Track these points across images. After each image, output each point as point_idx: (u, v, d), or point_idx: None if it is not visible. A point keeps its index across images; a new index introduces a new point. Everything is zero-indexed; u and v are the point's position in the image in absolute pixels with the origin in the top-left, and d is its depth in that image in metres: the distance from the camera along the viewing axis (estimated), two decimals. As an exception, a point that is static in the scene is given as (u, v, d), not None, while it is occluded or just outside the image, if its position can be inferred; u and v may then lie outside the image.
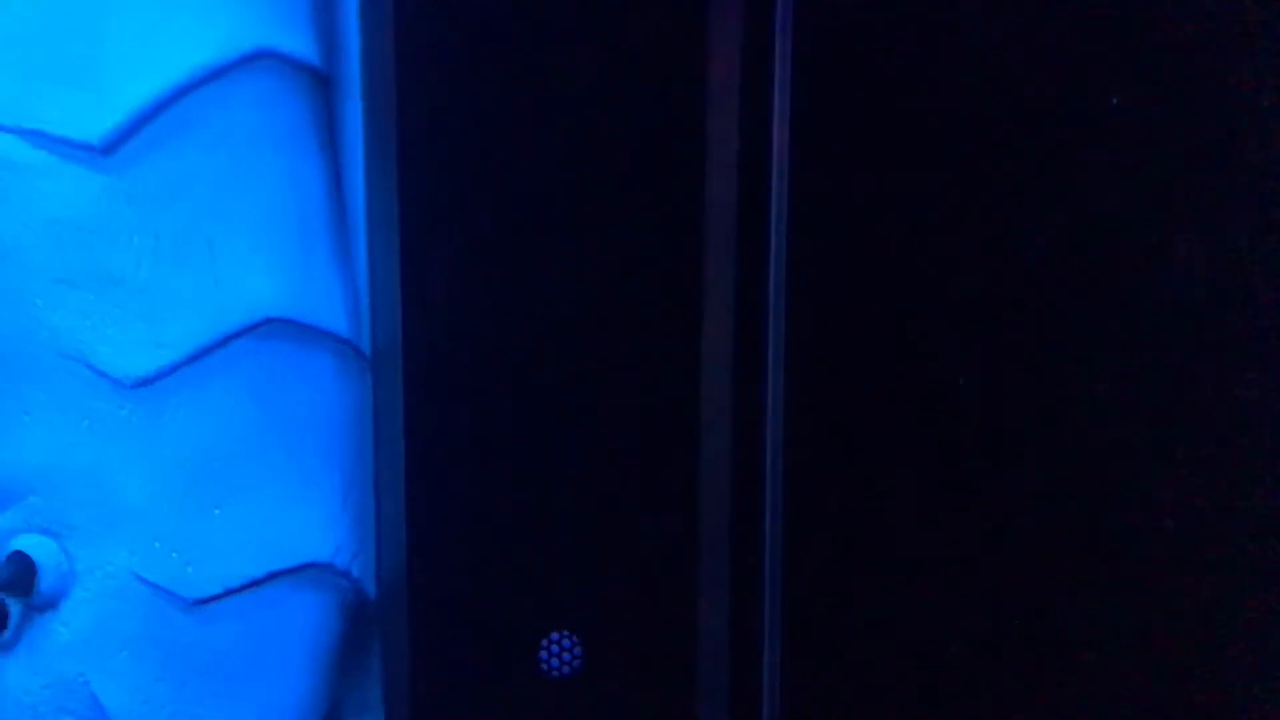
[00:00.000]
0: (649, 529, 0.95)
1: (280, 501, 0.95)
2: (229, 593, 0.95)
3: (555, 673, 0.92)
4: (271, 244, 0.93)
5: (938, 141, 0.93)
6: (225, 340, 0.91)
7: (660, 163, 0.93)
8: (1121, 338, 0.91)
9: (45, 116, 0.89)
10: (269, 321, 0.92)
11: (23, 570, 0.95)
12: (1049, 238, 0.93)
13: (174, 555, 0.94)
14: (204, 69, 0.89)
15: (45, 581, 0.94)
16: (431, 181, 0.93)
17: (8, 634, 0.97)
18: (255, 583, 0.95)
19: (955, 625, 0.96)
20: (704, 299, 0.96)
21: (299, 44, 0.92)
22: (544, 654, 0.93)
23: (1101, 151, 0.91)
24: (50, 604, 0.95)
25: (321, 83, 0.95)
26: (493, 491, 0.95)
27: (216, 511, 0.94)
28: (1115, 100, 0.93)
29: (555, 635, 0.93)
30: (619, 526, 0.95)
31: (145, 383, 0.91)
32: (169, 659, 0.95)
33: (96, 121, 0.88)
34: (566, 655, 0.93)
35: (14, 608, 0.96)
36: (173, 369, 0.91)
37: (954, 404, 0.95)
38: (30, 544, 0.95)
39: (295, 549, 0.96)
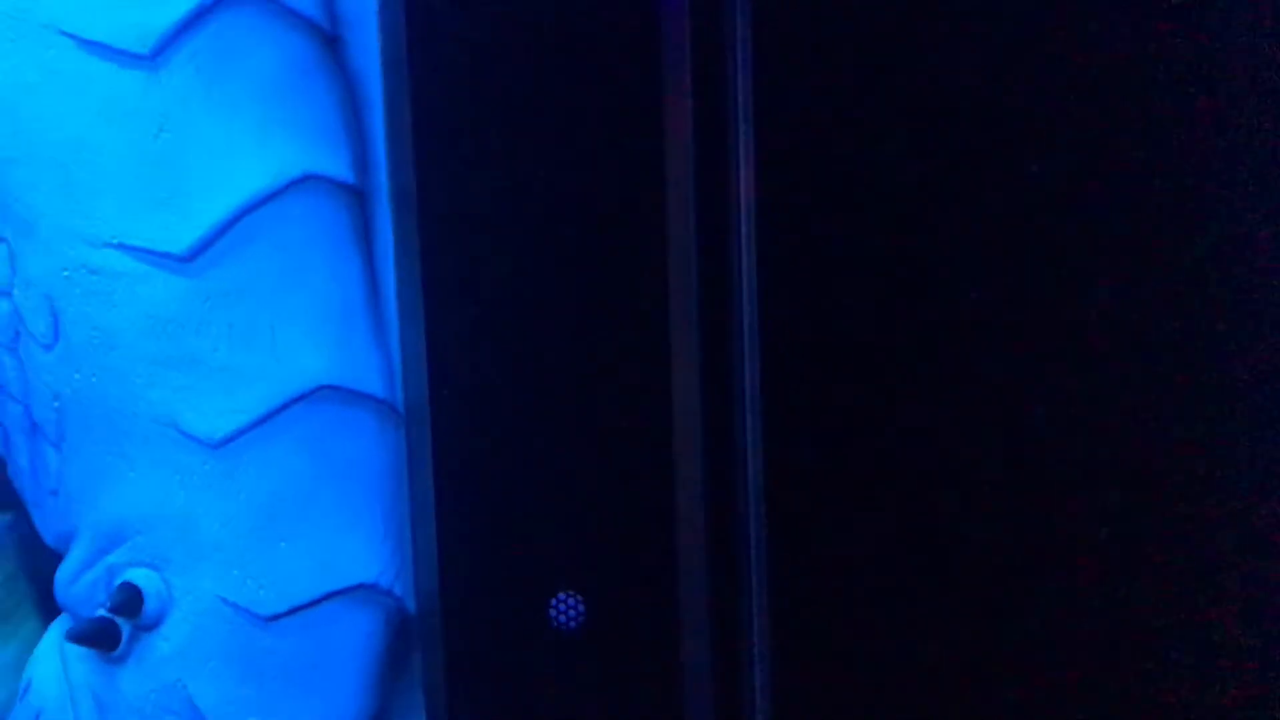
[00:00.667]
0: (636, 511, 1.14)
1: (334, 534, 1.17)
2: (295, 610, 1.16)
3: (562, 627, 1.13)
4: (321, 326, 1.15)
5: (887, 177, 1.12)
6: (286, 405, 1.14)
7: (630, 245, 1.15)
8: (1075, 357, 1.10)
9: (141, 234, 1.12)
10: (320, 388, 1.15)
11: (132, 597, 1.17)
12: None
13: (250, 581, 1.16)
14: (264, 192, 1.12)
15: (149, 606, 1.17)
16: (448, 272, 1.15)
17: (120, 649, 1.19)
18: (315, 601, 1.17)
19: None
20: (672, 351, 1.17)
21: (339, 167, 1.15)
22: (552, 611, 1.13)
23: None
24: (153, 624, 1.18)
25: (357, 195, 1.18)
26: (508, 496, 1.15)
27: (283, 544, 1.16)
28: (1034, 168, 1.14)
29: (562, 595, 1.13)
30: (611, 511, 1.14)
31: (224, 442, 1.14)
32: (249, 665, 1.17)
33: (180, 237, 1.11)
34: (571, 612, 1.13)
35: (124, 628, 1.19)
36: (245, 430, 1.14)
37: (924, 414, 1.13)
38: (137, 575, 1.17)
39: (347, 572, 1.18)
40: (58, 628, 1.29)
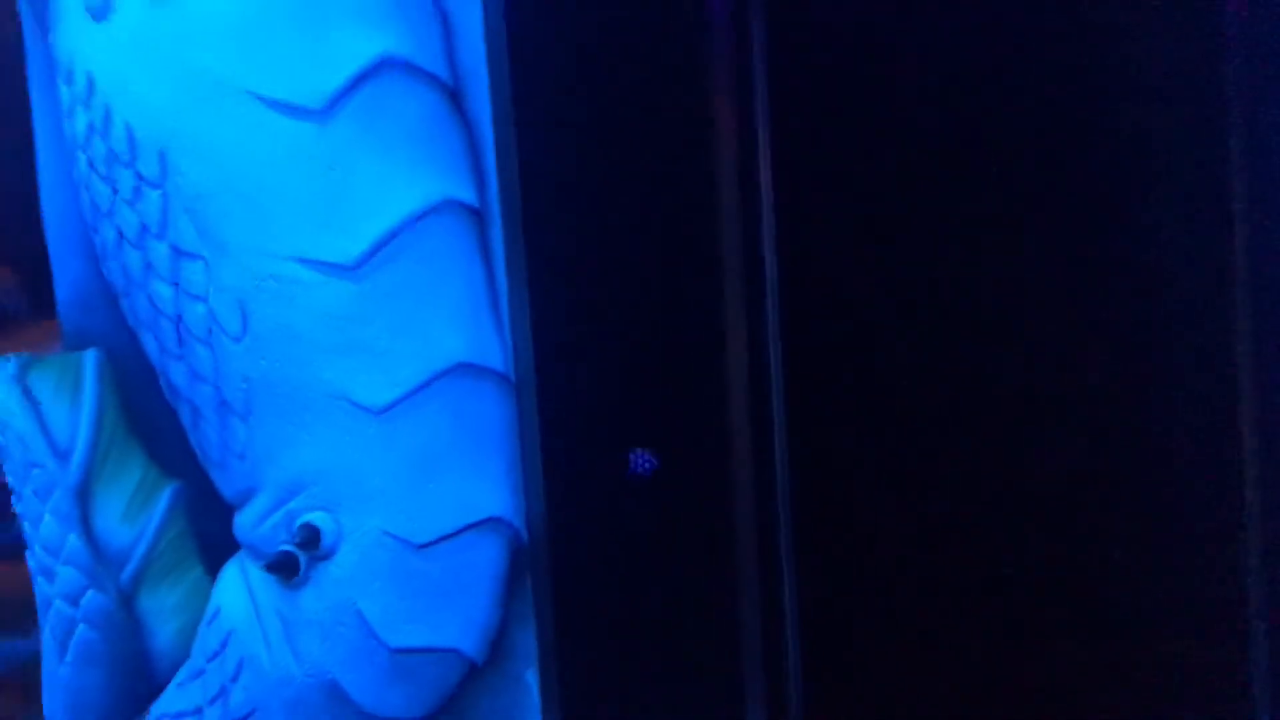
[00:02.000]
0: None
1: (469, 478, 1.50)
2: (441, 539, 1.49)
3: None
4: (456, 317, 1.48)
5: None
6: (433, 379, 1.46)
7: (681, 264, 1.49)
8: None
9: (316, 249, 1.44)
10: (458, 365, 1.47)
11: (311, 534, 1.49)
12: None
13: (405, 517, 1.48)
14: (413, 214, 1.44)
15: (325, 540, 1.49)
16: (545, 274, 1.49)
17: (300, 576, 1.51)
18: (457, 531, 1.49)
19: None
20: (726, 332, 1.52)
21: (466, 193, 1.48)
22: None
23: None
24: (328, 555, 1.50)
25: (478, 215, 1.50)
26: (594, 441, 1.50)
27: (431, 486, 1.48)
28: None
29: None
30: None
31: (386, 409, 1.46)
32: (405, 584, 1.49)
33: (348, 251, 1.44)
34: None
35: (303, 559, 1.51)
36: (402, 399, 1.46)
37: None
38: (314, 517, 1.49)
39: (480, 508, 1.50)
40: (235, 565, 1.61)
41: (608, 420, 1.53)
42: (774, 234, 1.51)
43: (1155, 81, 1.47)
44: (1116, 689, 1.54)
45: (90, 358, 1.65)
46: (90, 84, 1.48)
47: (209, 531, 1.67)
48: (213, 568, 1.68)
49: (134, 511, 1.67)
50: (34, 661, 1.95)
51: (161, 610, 1.70)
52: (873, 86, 1.50)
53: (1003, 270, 1.50)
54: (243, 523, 1.56)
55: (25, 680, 1.97)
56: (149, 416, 1.67)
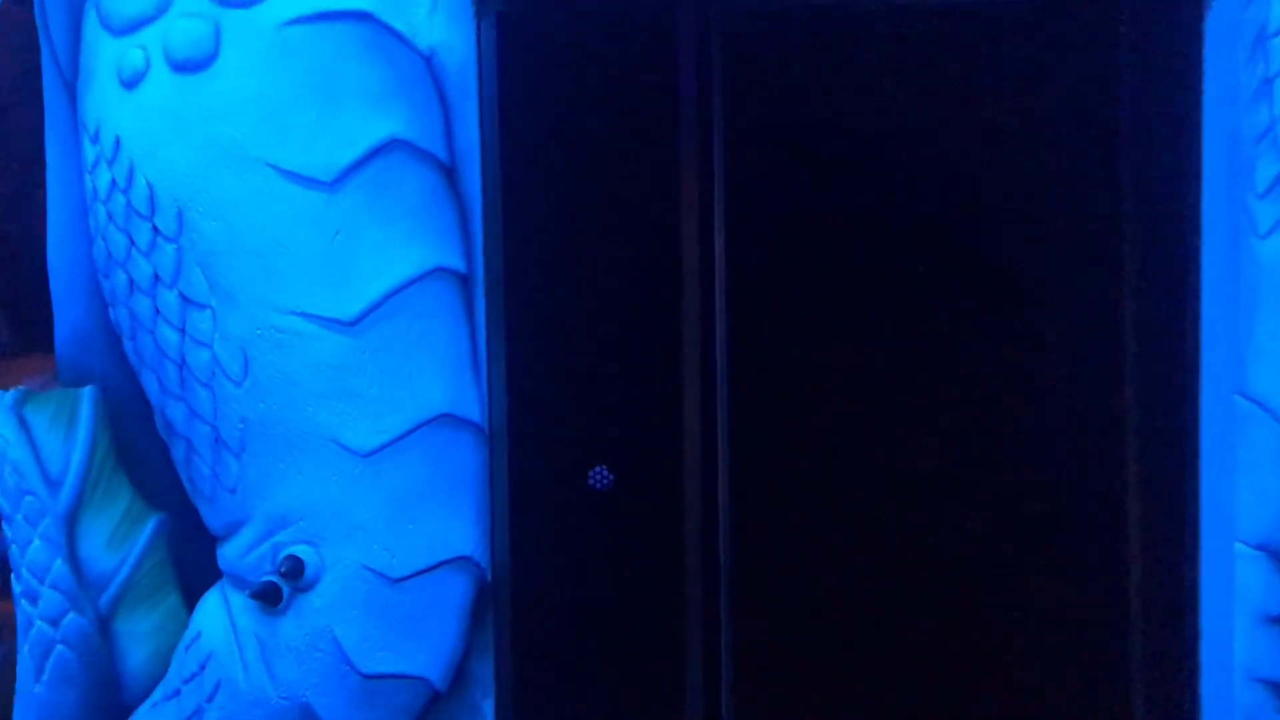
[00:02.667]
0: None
1: (444, 520, 1.65)
2: (416, 574, 1.64)
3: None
4: (441, 371, 1.64)
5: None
6: (417, 427, 1.62)
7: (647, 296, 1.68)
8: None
9: (318, 305, 1.59)
10: (441, 415, 1.63)
11: (295, 565, 1.63)
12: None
13: (384, 552, 1.63)
14: (408, 278, 1.61)
15: (308, 572, 1.62)
16: (520, 337, 1.66)
17: (282, 604, 1.64)
18: (431, 568, 1.64)
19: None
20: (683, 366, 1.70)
21: (457, 261, 1.64)
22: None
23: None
24: (310, 585, 1.63)
25: (464, 280, 1.67)
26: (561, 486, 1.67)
27: (409, 526, 1.63)
28: (921, 268, 1.72)
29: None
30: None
31: (372, 453, 1.61)
32: (381, 615, 1.63)
33: (348, 308, 1.59)
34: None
35: (285, 589, 1.63)
36: (388, 444, 1.61)
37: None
38: (299, 549, 1.63)
39: (452, 547, 1.65)
40: (217, 592, 1.72)
41: (571, 462, 1.71)
42: (725, 299, 1.71)
43: (1045, 177, 1.71)
44: (1011, 691, 1.75)
45: (87, 394, 1.77)
46: (117, 144, 1.63)
47: (187, 561, 1.78)
48: (189, 596, 1.79)
49: (118, 540, 1.78)
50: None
51: (135, 634, 1.79)
52: (817, 170, 1.72)
53: (923, 310, 1.74)
54: (228, 553, 1.68)
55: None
56: (137, 451, 1.78)
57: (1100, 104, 1.70)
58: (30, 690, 1.78)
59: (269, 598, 1.63)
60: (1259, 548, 1.57)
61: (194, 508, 1.73)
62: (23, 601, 1.78)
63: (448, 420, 1.64)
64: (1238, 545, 1.59)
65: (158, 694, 1.75)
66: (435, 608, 1.66)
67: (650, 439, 1.71)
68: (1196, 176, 1.62)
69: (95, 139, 1.66)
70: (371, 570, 1.63)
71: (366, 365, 1.61)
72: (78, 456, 1.77)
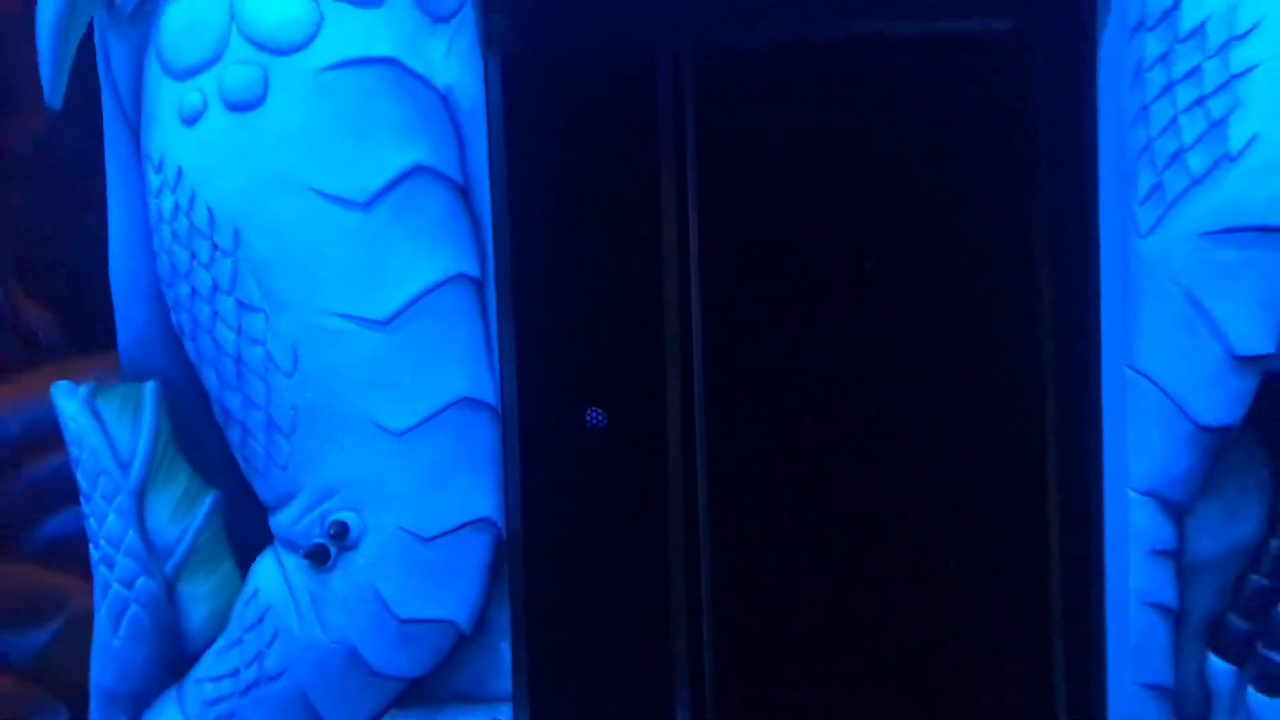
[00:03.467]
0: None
1: (467, 487, 1.94)
2: (444, 534, 1.93)
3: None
4: (462, 362, 1.93)
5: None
6: (443, 409, 1.91)
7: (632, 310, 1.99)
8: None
9: (357, 307, 1.88)
10: (463, 399, 1.92)
11: (341, 529, 1.92)
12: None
13: (418, 516, 1.92)
14: (434, 283, 1.89)
15: (352, 534, 1.91)
16: (526, 331, 1.96)
17: (330, 562, 1.93)
18: (457, 528, 1.93)
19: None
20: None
21: (473, 268, 1.93)
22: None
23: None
24: (354, 545, 1.92)
25: (479, 284, 1.96)
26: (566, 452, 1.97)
27: (437, 493, 1.92)
28: (869, 263, 2.03)
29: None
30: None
31: (405, 432, 1.90)
32: (415, 569, 1.92)
33: (383, 309, 1.88)
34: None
35: (333, 550, 1.92)
36: (419, 424, 1.90)
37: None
38: (345, 515, 1.91)
39: (474, 509, 1.95)
40: (270, 555, 2.00)
41: (569, 434, 2.02)
42: (700, 297, 2.03)
43: (974, 190, 2.03)
44: (951, 621, 2.09)
45: (150, 388, 2.04)
46: (179, 173, 1.90)
47: (238, 533, 2.06)
48: (241, 562, 2.07)
49: (180, 514, 2.06)
50: (43, 652, 2.30)
51: (196, 595, 2.08)
52: (777, 183, 2.03)
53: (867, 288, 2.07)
54: (281, 521, 1.97)
55: (35, 669, 2.32)
56: (194, 437, 2.06)
57: (1018, 126, 2.02)
58: (108, 644, 2.06)
59: (319, 557, 1.92)
60: (1146, 494, 1.89)
61: (244, 486, 2.02)
62: (100, 568, 2.05)
63: (468, 403, 1.94)
64: (1130, 492, 1.91)
65: (221, 643, 2.03)
66: (461, 562, 1.95)
67: (637, 416, 2.02)
68: (1093, 187, 1.94)
69: (159, 169, 1.93)
70: (407, 531, 1.92)
71: (399, 358, 1.89)
72: (144, 441, 2.04)
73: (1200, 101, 1.79)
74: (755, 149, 2.02)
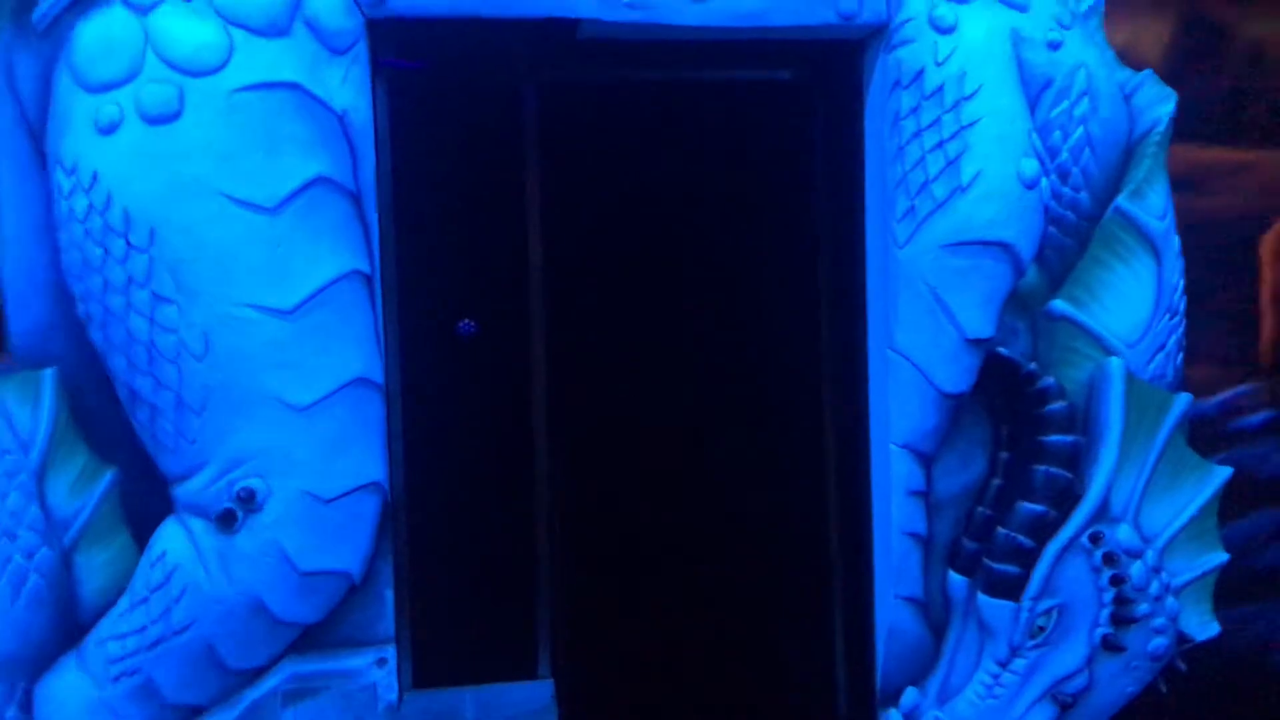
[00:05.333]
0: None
1: (361, 455, 2.24)
2: (342, 495, 2.22)
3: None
4: (357, 346, 2.23)
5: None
6: (341, 388, 2.21)
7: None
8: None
9: (265, 299, 2.15)
10: (358, 379, 2.23)
11: (250, 494, 2.17)
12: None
13: (319, 480, 2.20)
14: (333, 278, 2.19)
15: (259, 498, 2.17)
16: (411, 328, 2.29)
17: (237, 525, 2.18)
18: (352, 490, 2.23)
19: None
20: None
21: (364, 265, 2.24)
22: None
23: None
24: (259, 508, 2.18)
25: (369, 280, 2.27)
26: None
27: (337, 459, 2.21)
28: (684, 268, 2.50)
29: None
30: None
31: (308, 408, 2.19)
32: (315, 526, 2.21)
33: (288, 300, 2.16)
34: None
35: (240, 512, 2.17)
36: (320, 401, 2.19)
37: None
38: (251, 482, 2.17)
39: (367, 475, 2.25)
40: (175, 521, 2.22)
41: (450, 408, 2.37)
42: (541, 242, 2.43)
43: (768, 210, 2.55)
44: (740, 571, 2.59)
45: (49, 374, 2.21)
46: (95, 177, 2.10)
47: (134, 507, 2.27)
48: (136, 534, 2.27)
49: (78, 490, 2.24)
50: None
51: (92, 566, 2.26)
52: (608, 195, 2.46)
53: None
54: (190, 489, 2.20)
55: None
56: (91, 419, 2.25)
57: (802, 159, 2.56)
58: (8, 611, 2.21)
59: (227, 520, 2.17)
60: (904, 446, 2.44)
61: (140, 464, 2.23)
62: (2, 539, 2.20)
63: (362, 382, 2.24)
64: (891, 446, 2.46)
65: (123, 605, 2.23)
66: (355, 520, 2.25)
67: (501, 419, 2.41)
68: (861, 208, 2.49)
69: (72, 172, 2.12)
70: (309, 494, 2.20)
71: (302, 342, 2.18)
72: (44, 423, 2.21)
73: (940, 145, 2.36)
74: (598, 169, 2.46)
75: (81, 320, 2.20)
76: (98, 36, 2.12)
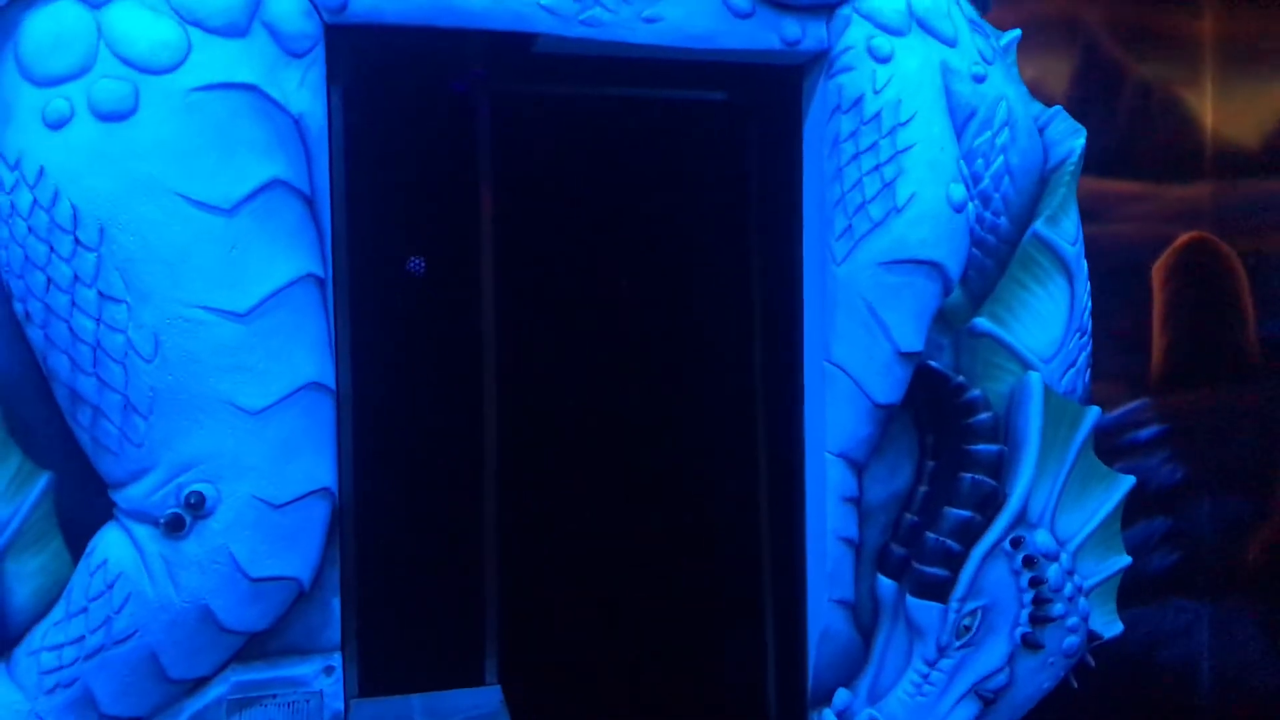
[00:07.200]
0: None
1: (312, 460, 2.23)
2: (292, 500, 2.20)
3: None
4: (311, 351, 2.21)
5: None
6: (294, 392, 2.19)
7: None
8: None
9: (218, 301, 2.12)
10: (311, 383, 2.21)
11: (199, 499, 2.14)
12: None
13: (269, 485, 2.18)
14: (288, 281, 2.18)
15: (209, 503, 2.14)
16: (363, 333, 2.29)
17: (185, 530, 2.13)
18: (303, 496, 2.21)
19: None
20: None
21: (318, 268, 2.23)
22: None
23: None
24: (209, 514, 2.14)
25: (323, 283, 2.26)
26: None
27: (288, 465, 2.19)
28: (624, 283, 2.56)
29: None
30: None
31: (260, 412, 2.16)
32: (266, 533, 2.18)
33: (242, 303, 2.14)
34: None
35: (188, 518, 2.13)
36: (272, 405, 2.17)
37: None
38: (201, 487, 2.14)
39: (318, 480, 2.23)
40: (116, 527, 2.16)
41: (399, 414, 2.37)
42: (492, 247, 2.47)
43: (709, 227, 2.63)
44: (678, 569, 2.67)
45: (-19, 375, 2.14)
46: (41, 171, 2.05)
47: (68, 513, 2.20)
48: (69, 541, 2.20)
49: (10, 494, 2.16)
50: None
51: (22, 574, 2.18)
52: (559, 200, 2.51)
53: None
54: (134, 494, 2.14)
55: None
56: (24, 423, 2.17)
57: (737, 180, 2.65)
58: (-66, 623, 2.12)
59: (175, 526, 2.13)
60: (838, 455, 2.54)
61: (75, 469, 2.16)
62: (-70, 547, 2.11)
63: (315, 387, 2.23)
64: (826, 454, 2.56)
65: (58, 614, 2.16)
66: (305, 526, 2.23)
67: (450, 427, 2.43)
68: (799, 228, 2.59)
69: (15, 167, 2.06)
70: (260, 499, 2.17)
71: (256, 345, 2.16)
72: (-25, 427, 2.14)
73: (877, 168, 2.48)
74: (548, 178, 2.51)
75: (19, 318, 2.13)
76: (47, 29, 2.07)
